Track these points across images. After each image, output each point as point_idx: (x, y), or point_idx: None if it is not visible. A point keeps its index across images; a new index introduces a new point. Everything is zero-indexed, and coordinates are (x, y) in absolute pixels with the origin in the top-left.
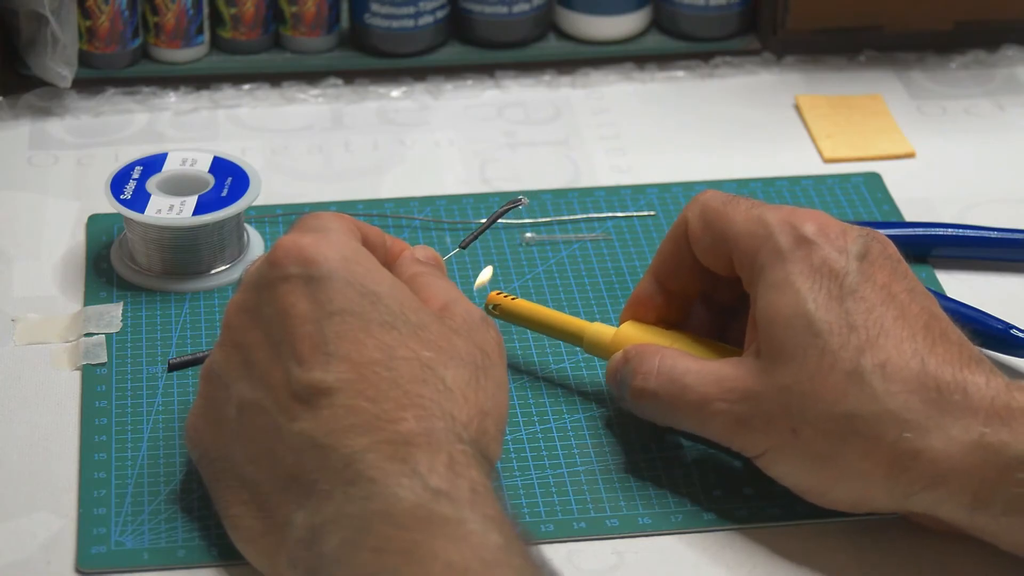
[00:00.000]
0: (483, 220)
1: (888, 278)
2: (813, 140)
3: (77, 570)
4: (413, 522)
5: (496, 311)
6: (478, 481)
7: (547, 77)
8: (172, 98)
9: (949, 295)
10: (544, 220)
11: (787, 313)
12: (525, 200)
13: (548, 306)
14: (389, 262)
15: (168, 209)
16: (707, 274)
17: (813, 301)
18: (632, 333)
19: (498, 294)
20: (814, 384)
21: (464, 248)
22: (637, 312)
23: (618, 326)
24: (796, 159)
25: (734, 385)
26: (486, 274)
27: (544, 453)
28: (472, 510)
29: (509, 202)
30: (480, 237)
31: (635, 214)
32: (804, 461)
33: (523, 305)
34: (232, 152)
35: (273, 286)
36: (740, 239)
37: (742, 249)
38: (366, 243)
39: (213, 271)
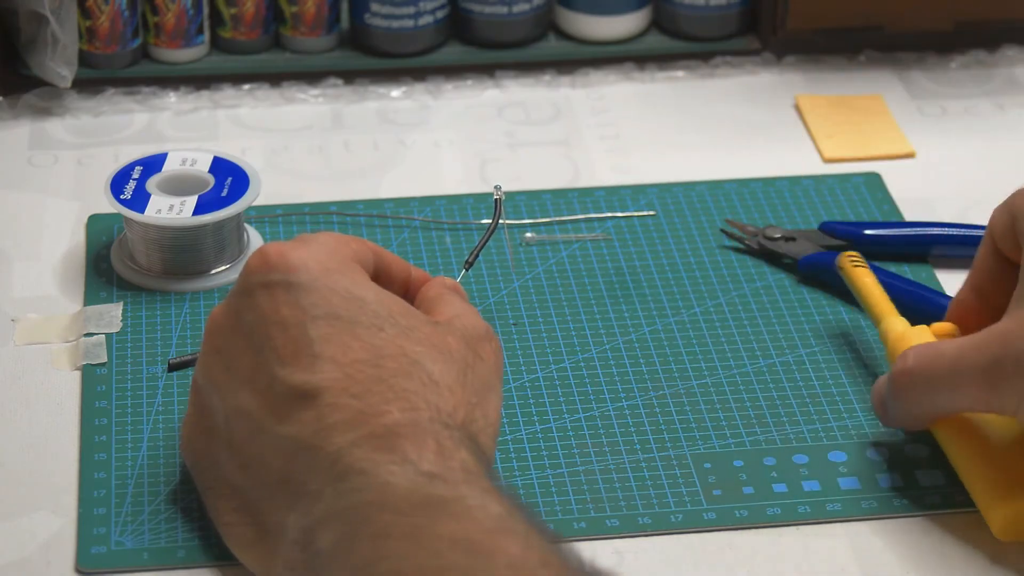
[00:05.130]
0: (482, 221)
1: None
2: (813, 140)
3: (77, 570)
4: (410, 507)
5: (840, 265)
6: (469, 461)
7: (547, 77)
8: (172, 98)
9: (949, 294)
10: (544, 220)
11: None
12: (500, 192)
13: (548, 307)
14: (411, 292)
15: (168, 209)
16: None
17: None
18: (915, 333)
19: (852, 256)
20: None
21: (470, 267)
22: (955, 318)
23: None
24: (796, 159)
25: (988, 333)
26: None
27: (544, 453)
28: (468, 486)
29: (495, 208)
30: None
31: (635, 214)
32: None
33: (861, 275)
34: (232, 152)
35: (253, 292)
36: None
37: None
38: (387, 272)
39: (213, 271)
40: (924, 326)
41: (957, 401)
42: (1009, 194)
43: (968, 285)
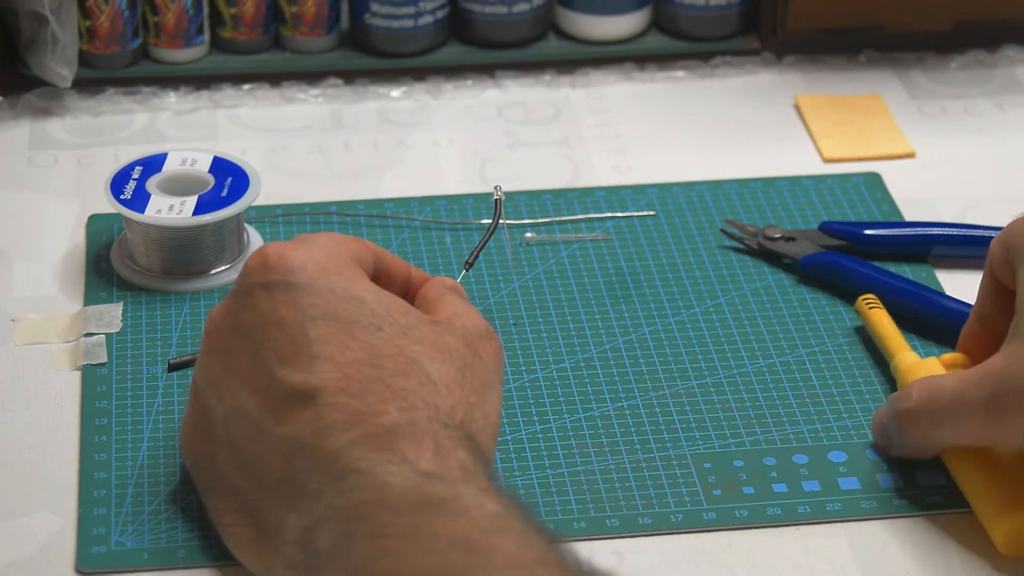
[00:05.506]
0: (482, 221)
1: None
2: (813, 140)
3: (77, 570)
4: (408, 506)
5: (857, 308)
6: (466, 460)
7: (547, 77)
8: (172, 98)
9: (949, 295)
10: (544, 220)
11: None
12: (500, 192)
13: (548, 307)
14: (411, 292)
15: (168, 209)
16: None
17: None
18: (925, 365)
19: (868, 299)
20: None
21: (470, 267)
22: (964, 348)
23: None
24: (796, 159)
25: (985, 369)
26: None
27: (544, 453)
28: (465, 485)
29: (495, 208)
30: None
31: (635, 214)
32: None
33: (876, 315)
34: (232, 152)
35: (251, 293)
36: (1018, 235)
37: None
38: (388, 272)
39: (213, 271)
40: (934, 358)
41: (961, 435)
42: (1008, 194)
43: (974, 315)
